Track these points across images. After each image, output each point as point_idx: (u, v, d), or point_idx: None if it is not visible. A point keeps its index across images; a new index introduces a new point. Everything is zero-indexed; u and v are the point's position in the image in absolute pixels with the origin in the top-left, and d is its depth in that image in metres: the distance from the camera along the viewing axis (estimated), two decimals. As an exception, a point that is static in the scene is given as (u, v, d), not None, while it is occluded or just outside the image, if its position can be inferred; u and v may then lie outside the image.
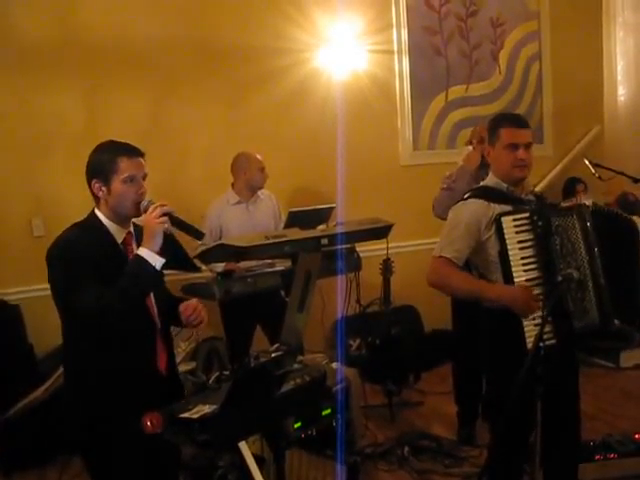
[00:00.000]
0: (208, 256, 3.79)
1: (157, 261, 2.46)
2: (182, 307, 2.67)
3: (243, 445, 2.07)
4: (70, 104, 4.94)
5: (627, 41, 6.76)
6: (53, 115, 4.88)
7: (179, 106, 5.20)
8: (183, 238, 4.23)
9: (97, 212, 2.60)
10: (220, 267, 4.36)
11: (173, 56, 5.16)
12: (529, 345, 2.69)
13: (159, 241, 2.48)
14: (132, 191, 2.54)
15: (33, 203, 4.89)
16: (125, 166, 2.52)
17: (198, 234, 2.63)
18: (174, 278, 4.72)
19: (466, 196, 3.00)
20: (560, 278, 2.72)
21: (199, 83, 5.24)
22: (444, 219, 4.13)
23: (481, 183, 3.10)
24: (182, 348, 5.14)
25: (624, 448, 3.72)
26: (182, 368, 5.04)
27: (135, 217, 2.62)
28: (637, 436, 3.82)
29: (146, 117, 5.10)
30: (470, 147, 4.25)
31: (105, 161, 2.54)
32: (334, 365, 3.04)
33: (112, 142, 2.62)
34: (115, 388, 2.53)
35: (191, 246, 4.16)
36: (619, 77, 6.82)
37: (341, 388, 2.81)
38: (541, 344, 2.60)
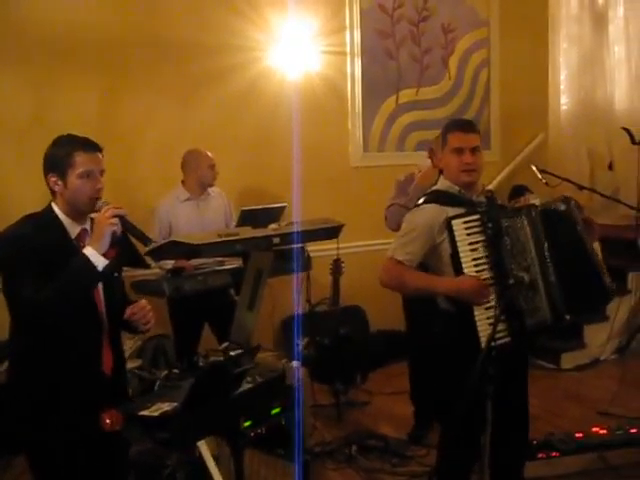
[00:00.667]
0: (159, 253, 3.74)
1: (100, 262, 2.43)
2: (129, 310, 2.61)
3: (202, 444, 2.05)
4: (18, 96, 4.84)
5: (570, 52, 6.93)
6: (0, 107, 4.76)
7: (130, 100, 5.14)
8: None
9: (54, 206, 2.56)
10: (169, 264, 4.31)
11: (124, 48, 5.09)
12: (483, 344, 2.75)
13: (106, 242, 2.45)
14: (88, 186, 2.51)
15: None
16: (81, 161, 2.50)
17: (146, 240, 2.62)
18: (124, 275, 4.66)
19: (420, 201, 3.06)
20: (512, 281, 2.78)
21: (150, 77, 5.19)
22: (396, 230, 4.23)
23: (433, 187, 3.15)
24: (128, 346, 5.08)
25: (566, 446, 3.82)
26: (128, 365, 4.97)
27: (90, 213, 2.59)
28: (578, 435, 3.93)
29: (96, 110, 5.02)
30: (428, 162, 4.25)
31: (62, 155, 2.51)
32: (293, 364, 3.04)
33: (70, 136, 2.58)
34: (56, 386, 2.50)
35: (139, 243, 4.13)
36: (562, 86, 6.99)
37: (298, 386, 2.82)
38: (493, 344, 2.66)
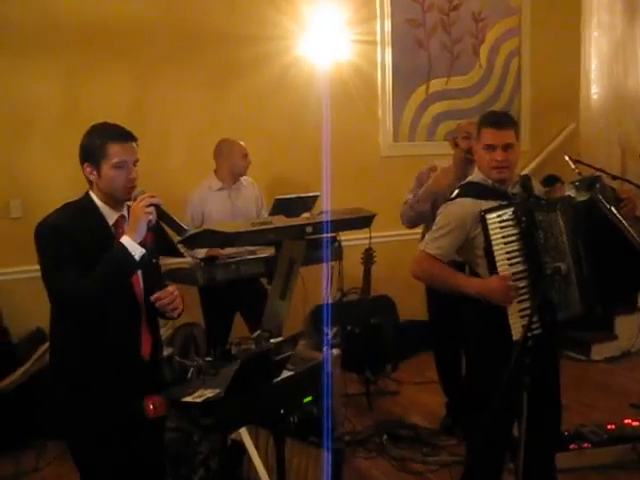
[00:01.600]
0: (193, 241, 3.78)
1: (137, 250, 2.45)
2: (156, 295, 2.59)
3: (243, 431, 2.08)
4: (51, 86, 4.88)
5: (601, 41, 6.85)
6: (34, 97, 4.82)
7: (162, 90, 5.17)
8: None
9: (91, 193, 2.59)
10: (201, 253, 4.34)
11: (157, 40, 5.12)
12: (515, 337, 2.75)
13: (142, 231, 2.47)
14: (122, 176, 2.52)
15: (11, 184, 4.83)
16: (115, 151, 2.50)
17: (182, 230, 2.63)
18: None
19: (454, 194, 3.03)
20: (549, 271, 2.77)
21: (182, 67, 5.21)
22: (410, 227, 4.22)
23: (468, 178, 3.13)
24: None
25: (597, 438, 3.82)
26: (159, 354, 5.04)
27: (127, 201, 2.61)
28: (610, 426, 3.92)
29: (128, 100, 5.06)
30: (444, 162, 4.21)
31: (96, 146, 2.52)
32: (335, 351, 3.06)
33: (104, 125, 2.59)
34: (96, 371, 2.53)
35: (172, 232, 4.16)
36: (593, 76, 6.92)
37: (329, 374, 2.84)
38: (529, 334, 2.65)
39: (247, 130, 5.20)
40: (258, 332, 3.41)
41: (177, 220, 2.61)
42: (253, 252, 4.50)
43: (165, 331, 5.15)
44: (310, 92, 5.56)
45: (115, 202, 2.60)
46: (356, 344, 4.85)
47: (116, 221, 2.61)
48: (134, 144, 2.59)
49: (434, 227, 3.02)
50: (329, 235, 4.24)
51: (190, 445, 3.63)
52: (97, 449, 2.57)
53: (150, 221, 2.49)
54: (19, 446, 4.18)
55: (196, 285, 4.32)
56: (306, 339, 5.19)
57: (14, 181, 4.82)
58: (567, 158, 4.41)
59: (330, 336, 5.31)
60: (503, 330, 2.80)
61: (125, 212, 2.65)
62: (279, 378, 2.15)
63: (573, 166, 4.38)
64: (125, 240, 2.45)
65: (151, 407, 2.04)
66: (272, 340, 2.44)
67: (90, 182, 2.58)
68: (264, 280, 4.46)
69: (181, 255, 4.17)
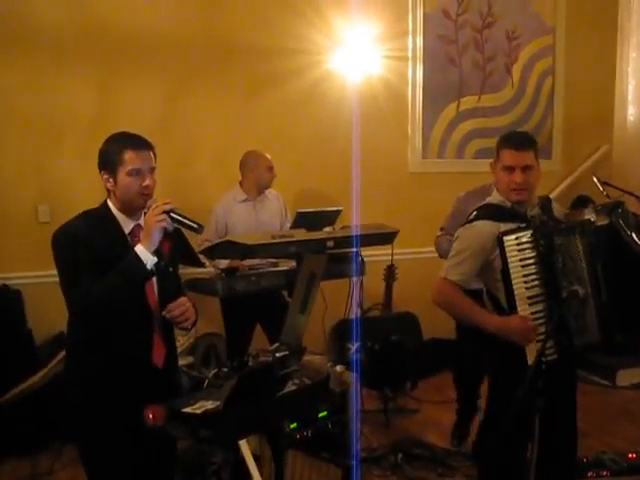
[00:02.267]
0: (214, 252, 3.80)
1: (149, 260, 2.46)
2: (168, 307, 2.60)
3: (243, 443, 2.07)
4: (83, 94, 4.96)
5: (639, 61, 6.77)
6: (65, 104, 4.91)
7: (191, 101, 5.21)
8: (187, 233, 4.26)
9: (108, 202, 2.62)
10: (223, 264, 4.36)
11: (188, 50, 5.17)
12: (530, 361, 2.70)
13: (156, 240, 2.48)
14: (137, 184, 2.54)
15: (40, 189, 4.91)
16: (130, 158, 2.52)
17: (198, 228, 2.60)
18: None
19: (471, 217, 3.00)
20: (565, 294, 2.73)
21: (212, 79, 5.25)
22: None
23: (487, 200, 3.08)
24: (180, 342, 5.15)
25: (617, 466, 3.73)
26: (180, 362, 5.06)
27: (142, 209, 2.63)
28: (630, 455, 3.83)
29: (158, 110, 5.12)
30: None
31: (112, 153, 2.55)
32: (338, 368, 3.04)
33: (121, 134, 2.62)
34: (108, 378, 2.55)
35: (196, 241, 4.19)
36: (630, 97, 6.82)
37: (350, 391, 2.83)
38: (543, 359, 2.61)
39: (275, 143, 5.23)
40: (276, 345, 3.40)
41: (191, 219, 2.59)
42: (275, 264, 4.51)
43: (186, 340, 5.18)
44: (340, 106, 5.57)
45: (131, 211, 2.62)
46: (376, 361, 4.82)
47: (132, 230, 2.63)
48: (150, 152, 2.61)
49: (452, 252, 2.99)
50: (353, 250, 4.24)
51: (203, 455, 3.64)
52: (105, 456, 2.59)
53: (165, 228, 2.50)
54: (36, 449, 4.23)
55: (216, 295, 4.34)
56: (326, 354, 5.19)
57: (43, 187, 4.90)
58: (595, 179, 4.37)
59: (352, 352, 5.30)
60: (519, 355, 2.77)
61: (142, 221, 2.65)
62: (282, 392, 2.13)
63: (601, 188, 4.33)
64: (138, 249, 2.47)
65: (150, 416, 2.05)
66: (277, 354, 2.42)
67: (108, 190, 2.61)
68: (285, 293, 4.47)
69: (201, 265, 4.19)
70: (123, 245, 2.56)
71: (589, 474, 3.67)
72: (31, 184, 4.87)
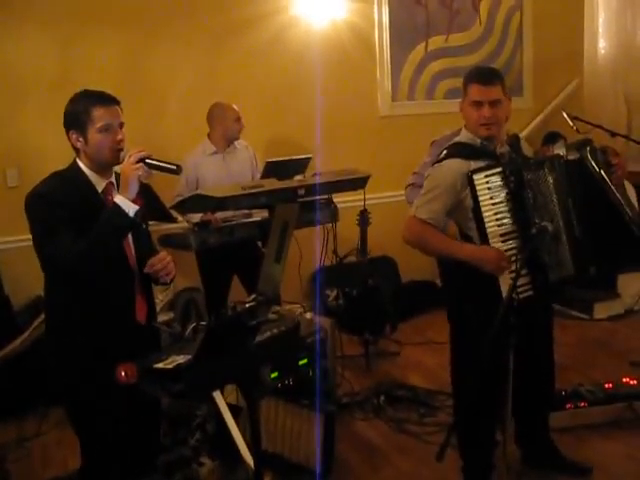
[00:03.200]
0: (185, 206, 3.78)
1: (131, 208, 2.46)
2: (149, 262, 2.63)
3: (217, 395, 2.08)
4: (45, 52, 4.84)
5: (608, -6, 6.71)
6: (27, 63, 4.79)
7: (155, 54, 5.11)
8: (158, 187, 4.22)
9: (78, 162, 2.60)
10: (197, 218, 4.33)
11: (149, 2, 5.05)
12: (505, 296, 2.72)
13: (134, 188, 2.48)
14: (109, 139, 2.53)
15: (7, 153, 4.82)
16: (100, 115, 2.51)
17: (176, 170, 2.58)
18: (150, 229, 4.70)
19: (441, 156, 2.98)
20: (534, 231, 2.74)
21: (175, 30, 5.14)
22: None
23: (455, 139, 3.06)
24: (159, 299, 5.15)
25: (594, 397, 3.80)
26: (159, 318, 5.06)
27: (115, 165, 2.61)
28: (607, 385, 3.90)
29: (122, 65, 5.01)
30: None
31: (80, 111, 2.53)
32: (308, 315, 3.05)
33: (86, 92, 2.59)
34: (92, 337, 2.56)
35: (168, 197, 4.15)
36: (600, 30, 6.78)
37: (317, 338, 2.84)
38: (514, 296, 2.63)
39: (242, 92, 5.16)
40: (253, 295, 3.40)
41: (167, 162, 2.57)
42: (248, 215, 4.49)
43: (165, 296, 5.18)
44: (306, 52, 5.49)
45: (103, 168, 2.60)
46: (354, 306, 4.85)
47: (105, 188, 2.61)
48: (118, 107, 2.59)
49: (423, 191, 2.98)
50: (323, 197, 4.23)
51: (188, 408, 3.66)
52: (92, 412, 2.61)
53: (142, 176, 2.48)
54: (22, 412, 4.22)
55: (189, 249, 4.31)
56: (305, 302, 5.21)
57: (10, 150, 4.81)
58: (565, 114, 4.33)
59: (332, 298, 5.33)
60: (494, 291, 2.78)
61: (113, 179, 2.65)
62: (253, 342, 2.13)
63: (571, 123, 4.30)
64: (118, 199, 2.46)
65: (122, 374, 2.04)
66: (246, 305, 2.41)
67: (77, 150, 2.59)
68: (260, 243, 4.46)
69: (173, 220, 4.19)
70: (97, 203, 2.55)
71: (567, 406, 3.74)
72: (-4, 147, 4.78)
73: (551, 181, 2.86)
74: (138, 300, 2.69)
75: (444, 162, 2.94)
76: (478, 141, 2.93)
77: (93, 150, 2.54)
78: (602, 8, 6.73)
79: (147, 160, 2.50)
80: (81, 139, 2.54)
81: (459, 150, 2.95)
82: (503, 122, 2.96)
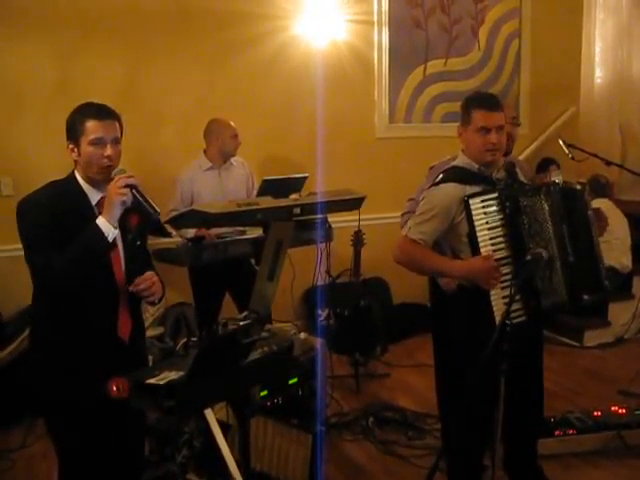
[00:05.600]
0: (179, 221, 3.76)
1: (110, 232, 2.44)
2: (136, 280, 2.57)
3: (209, 412, 2.07)
4: (44, 64, 4.85)
5: (607, 23, 6.79)
6: (26, 74, 4.80)
7: (155, 69, 5.13)
8: (153, 201, 4.21)
9: (75, 173, 2.59)
10: (191, 233, 4.33)
11: (151, 19, 5.07)
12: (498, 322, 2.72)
13: (117, 212, 2.45)
14: (98, 154, 2.50)
15: (2, 162, 4.81)
16: (92, 128, 2.49)
17: (153, 214, 2.56)
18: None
19: (438, 179, 2.99)
20: (529, 257, 2.75)
21: (175, 47, 5.16)
22: None
23: (452, 163, 3.07)
24: (150, 313, 5.13)
25: (583, 424, 3.81)
26: (149, 333, 5.02)
27: (106, 180, 2.56)
28: (596, 413, 3.90)
29: (121, 79, 5.02)
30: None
31: (76, 123, 2.52)
32: (302, 335, 3.04)
33: (86, 104, 2.58)
34: (71, 351, 2.53)
35: (163, 211, 4.14)
36: (597, 59, 6.85)
37: (311, 358, 2.83)
38: (508, 322, 2.63)
39: (240, 110, 5.17)
40: (245, 313, 3.39)
41: (150, 203, 2.54)
42: (243, 232, 4.49)
43: (156, 311, 5.16)
44: (305, 72, 5.51)
45: (96, 182, 2.57)
46: (346, 326, 4.84)
47: (99, 201, 2.58)
48: (115, 122, 2.56)
49: (417, 212, 2.98)
50: (319, 217, 4.22)
51: (175, 425, 3.63)
52: (72, 429, 2.57)
53: (124, 202, 2.46)
54: (8, 423, 4.19)
55: (183, 265, 4.31)
56: (296, 322, 5.20)
57: (5, 159, 4.81)
58: (561, 142, 4.38)
59: (322, 318, 5.32)
60: (488, 316, 2.78)
61: None
62: (246, 360, 2.12)
63: (566, 150, 4.34)
64: (99, 220, 2.44)
65: (114, 389, 2.03)
66: (241, 323, 2.41)
67: (75, 161, 2.58)
68: (253, 261, 4.45)
69: (169, 235, 4.16)
70: (90, 216, 2.52)
71: (556, 433, 3.74)
72: (-8, 156, 4.78)
73: (547, 208, 2.88)
74: (123, 317, 2.64)
75: (440, 185, 2.94)
76: (475, 166, 2.94)
77: (84, 162, 2.53)
78: (599, 38, 6.80)
79: (134, 190, 2.47)
80: (76, 150, 2.53)
81: (456, 174, 2.95)
82: (504, 148, 2.98)
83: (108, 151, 2.51)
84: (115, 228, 2.45)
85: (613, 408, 3.95)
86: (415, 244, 2.91)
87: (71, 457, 2.65)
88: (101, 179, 2.56)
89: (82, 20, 4.88)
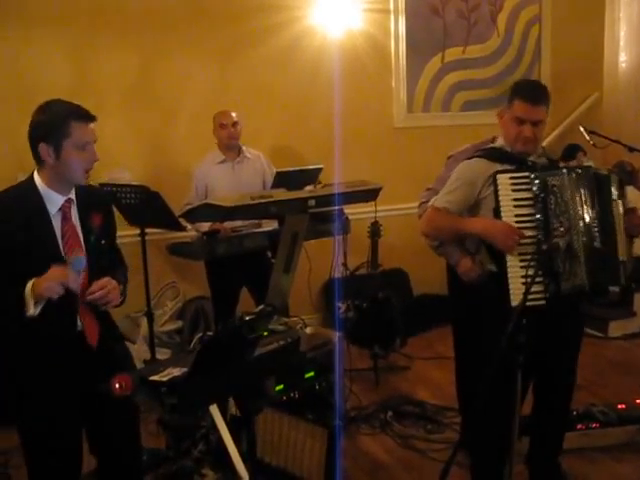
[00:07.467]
0: (193, 215, 3.74)
1: (30, 307, 2.24)
2: (90, 289, 2.38)
3: (214, 408, 2.03)
4: (58, 60, 4.82)
5: (632, 6, 6.62)
6: (39, 71, 4.77)
7: (170, 63, 5.08)
8: (169, 196, 4.20)
9: (35, 176, 2.42)
10: (206, 227, 4.30)
11: (164, 13, 5.02)
12: (514, 303, 2.69)
13: (43, 301, 2.26)
14: (83, 159, 2.38)
15: (19, 159, 4.79)
16: (78, 131, 2.35)
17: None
18: (159, 237, 4.69)
19: (472, 156, 3.03)
20: (545, 247, 2.70)
21: (190, 40, 5.11)
22: None
23: (490, 145, 3.09)
24: (169, 307, 5.14)
25: (606, 418, 3.72)
26: (168, 327, 5.04)
27: (81, 183, 2.47)
28: (620, 406, 3.82)
29: (135, 73, 4.98)
30: None
31: (57, 124, 2.34)
32: (308, 330, 3.00)
33: (62, 103, 2.42)
34: (42, 364, 2.41)
35: (177, 205, 4.13)
36: (621, 43, 6.69)
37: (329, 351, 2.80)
38: (528, 304, 2.55)
39: (256, 102, 5.15)
40: (262, 306, 3.36)
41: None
42: (258, 225, 4.46)
43: (174, 304, 5.16)
44: (321, 63, 5.45)
45: (62, 186, 2.42)
46: (364, 319, 4.79)
47: (63, 205, 2.43)
48: (93, 125, 2.43)
49: (446, 184, 3.03)
50: (335, 208, 4.18)
51: (192, 420, 3.61)
52: (42, 434, 2.45)
53: (50, 298, 2.25)
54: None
55: (198, 259, 4.29)
56: (314, 314, 5.16)
57: (21, 155, 4.78)
58: (582, 129, 4.29)
59: (342, 311, 5.28)
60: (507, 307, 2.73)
61: (73, 195, 2.48)
62: (251, 356, 2.08)
63: (587, 137, 4.25)
64: (27, 289, 2.25)
65: (117, 386, 1.99)
66: (246, 318, 2.37)
67: (41, 163, 2.40)
68: (269, 253, 4.42)
69: (182, 228, 4.16)
70: (42, 223, 2.37)
71: (579, 427, 3.66)
72: (9, 152, 4.73)
73: (576, 190, 2.84)
74: (88, 324, 2.47)
75: (471, 160, 2.99)
76: (511, 150, 2.94)
77: (64, 167, 2.36)
78: (624, 21, 6.64)
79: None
80: (52, 154, 2.34)
81: (489, 153, 2.98)
82: (541, 140, 2.98)
83: (96, 156, 2.42)
84: (35, 310, 2.25)
85: (638, 401, 3.86)
86: (439, 211, 2.97)
87: (31, 465, 2.52)
88: (79, 183, 2.45)
89: (94, 16, 4.84)
